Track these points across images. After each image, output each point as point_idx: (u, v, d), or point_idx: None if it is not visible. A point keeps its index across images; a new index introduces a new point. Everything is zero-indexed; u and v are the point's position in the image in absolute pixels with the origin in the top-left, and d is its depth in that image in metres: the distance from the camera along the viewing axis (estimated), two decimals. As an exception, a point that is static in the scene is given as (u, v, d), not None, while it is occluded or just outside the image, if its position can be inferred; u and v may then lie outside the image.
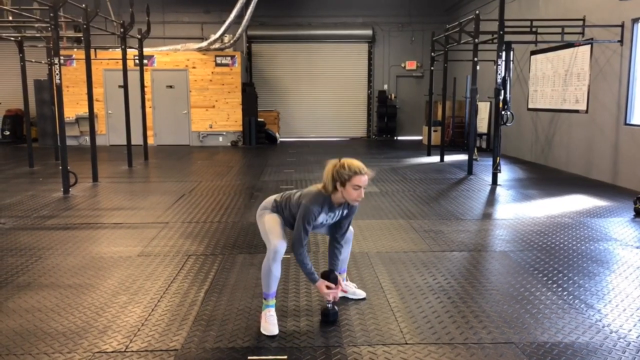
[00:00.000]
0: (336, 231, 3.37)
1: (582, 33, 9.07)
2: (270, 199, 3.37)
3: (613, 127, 8.37)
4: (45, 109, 14.28)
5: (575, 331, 3.14)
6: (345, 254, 3.58)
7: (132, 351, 2.90)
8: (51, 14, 7.22)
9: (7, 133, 15.53)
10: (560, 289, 3.82)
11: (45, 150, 13.07)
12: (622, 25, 8.15)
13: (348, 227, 3.39)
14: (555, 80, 10.19)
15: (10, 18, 9.78)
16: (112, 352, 2.89)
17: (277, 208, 3.31)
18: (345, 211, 3.28)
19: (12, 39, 10.51)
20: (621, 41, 8.17)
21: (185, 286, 3.88)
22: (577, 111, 9.43)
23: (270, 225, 3.24)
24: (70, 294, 3.72)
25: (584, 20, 9.06)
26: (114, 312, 3.41)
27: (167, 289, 3.81)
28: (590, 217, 6.07)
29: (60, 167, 7.60)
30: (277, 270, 3.16)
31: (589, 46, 8.97)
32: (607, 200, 7.02)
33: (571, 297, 3.68)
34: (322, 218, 3.18)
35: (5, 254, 4.66)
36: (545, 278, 4.06)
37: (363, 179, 3.06)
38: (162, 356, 2.84)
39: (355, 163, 3.09)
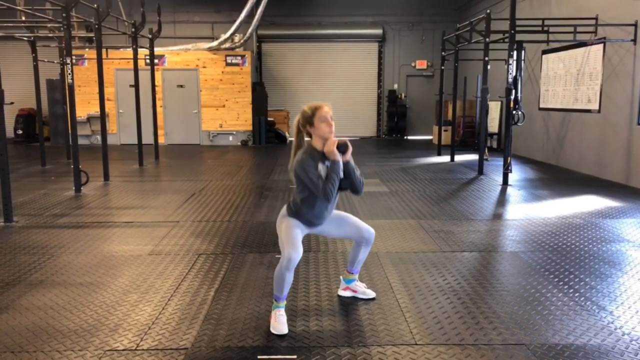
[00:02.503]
0: (351, 187, 3.30)
1: (595, 32, 8.98)
2: (284, 206, 3.38)
3: (626, 127, 8.29)
4: (57, 109, 14.41)
5: (587, 333, 3.12)
6: (364, 254, 3.58)
7: (143, 349, 2.92)
8: (63, 14, 7.28)
9: (20, 132, 15.68)
10: (571, 291, 3.79)
11: (57, 149, 13.19)
12: (635, 24, 8.07)
13: (356, 174, 3.28)
14: (567, 79, 10.11)
15: (23, 18, 9.88)
16: (123, 350, 2.91)
17: (291, 210, 3.30)
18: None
19: (25, 39, 10.62)
20: (634, 40, 8.09)
21: (196, 285, 3.89)
22: (589, 111, 9.35)
23: (287, 233, 3.21)
24: (82, 292, 3.76)
25: (596, 19, 8.98)
26: (124, 310, 3.43)
27: (177, 288, 3.83)
28: (602, 218, 6.02)
29: (72, 166, 7.66)
30: (289, 277, 3.15)
31: (601, 45, 8.89)
32: (620, 201, 6.96)
33: (583, 298, 3.65)
34: (321, 168, 3.15)
35: (18, 252, 4.71)
36: (556, 279, 4.03)
37: (325, 110, 3.17)
38: (172, 355, 2.86)
39: (312, 103, 3.22)
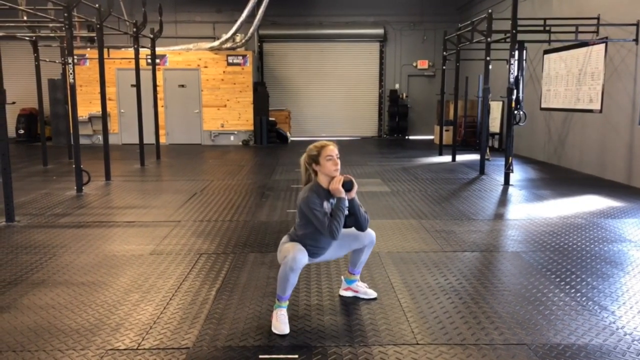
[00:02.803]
0: (356, 224, 3.34)
1: (597, 32, 8.97)
2: (285, 237, 3.39)
3: (628, 126, 8.27)
4: (58, 108, 14.41)
5: (588, 333, 3.11)
6: (366, 256, 3.58)
7: (145, 349, 2.92)
8: (65, 14, 7.29)
9: (22, 132, 15.70)
10: (573, 291, 3.79)
11: (58, 149, 13.20)
12: (637, 24, 8.06)
13: (361, 211, 3.33)
14: (569, 79, 10.10)
15: (25, 18, 9.89)
16: (125, 349, 2.91)
17: (293, 238, 3.32)
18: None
19: (27, 38, 10.63)
20: (636, 40, 8.08)
21: (197, 285, 3.90)
22: (591, 111, 9.34)
23: (289, 245, 3.23)
24: (84, 291, 3.76)
25: (598, 18, 8.97)
26: (126, 309, 3.44)
27: (178, 288, 3.83)
28: (604, 218, 6.01)
29: (74, 166, 7.67)
30: (293, 279, 3.14)
31: (603, 45, 8.88)
32: (622, 201, 6.95)
33: (584, 298, 3.65)
34: (326, 205, 3.19)
35: (19, 252, 4.71)
36: (558, 279, 4.03)
37: (330, 148, 3.22)
38: (174, 354, 2.86)
39: (318, 142, 3.28)
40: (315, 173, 3.27)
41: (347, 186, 3.21)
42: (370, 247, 3.55)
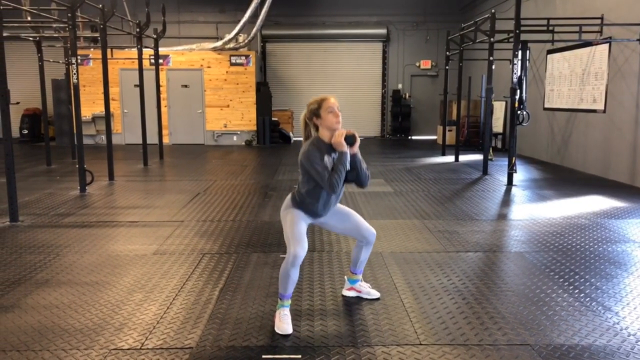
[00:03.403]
0: (357, 180, 3.27)
1: (600, 32, 8.95)
2: (289, 196, 3.37)
3: (632, 127, 8.25)
4: (62, 108, 14.45)
5: (592, 334, 3.11)
6: (366, 255, 3.57)
7: (148, 349, 2.92)
8: (69, 14, 7.31)
9: (26, 132, 15.75)
10: (576, 291, 3.78)
11: (62, 149, 13.24)
12: (641, 24, 8.03)
13: (362, 166, 3.26)
14: (572, 79, 10.08)
15: (29, 18, 9.92)
16: (128, 349, 2.92)
17: (295, 201, 3.28)
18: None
19: (31, 39, 10.66)
20: (640, 40, 8.06)
21: (200, 284, 3.90)
22: (594, 111, 9.31)
23: (292, 228, 3.20)
24: (87, 291, 3.77)
25: (602, 18, 8.94)
26: (129, 309, 3.44)
27: (182, 287, 3.84)
28: (608, 218, 6.00)
29: (77, 166, 7.69)
30: (294, 275, 3.15)
31: (607, 45, 8.86)
32: (625, 201, 6.93)
33: (588, 299, 3.64)
34: (327, 160, 3.14)
35: (23, 251, 4.73)
36: (561, 280, 4.02)
37: (332, 101, 3.17)
38: (177, 354, 2.87)
39: (318, 96, 3.23)
40: (317, 128, 3.21)
41: (350, 140, 3.13)
42: (369, 245, 3.53)
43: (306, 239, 3.19)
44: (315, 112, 3.17)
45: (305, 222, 3.27)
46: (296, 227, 3.19)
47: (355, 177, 3.23)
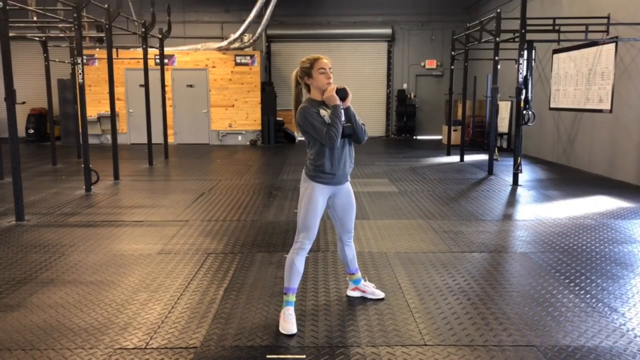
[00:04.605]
0: (353, 133, 3.25)
1: (607, 31, 8.90)
2: (304, 169, 3.34)
3: (638, 126, 8.20)
4: (68, 108, 14.51)
5: (598, 335, 3.09)
6: (351, 252, 3.56)
7: (152, 348, 2.93)
8: (75, 15, 7.33)
9: (32, 131, 15.82)
10: (582, 292, 3.76)
11: (67, 149, 13.29)
12: (648, 23, 7.98)
13: (357, 120, 3.24)
14: (578, 79, 10.03)
15: (35, 18, 9.96)
16: (133, 348, 2.92)
17: (309, 171, 3.25)
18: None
19: (37, 39, 10.70)
20: (647, 39, 8.01)
21: (205, 284, 3.90)
22: (600, 111, 9.27)
23: (306, 210, 3.19)
24: (92, 290, 3.78)
25: (608, 18, 8.89)
26: (134, 309, 3.45)
27: (186, 287, 3.84)
28: (614, 219, 5.96)
29: (83, 165, 7.71)
30: (300, 265, 3.18)
31: (613, 44, 8.81)
32: (632, 202, 6.89)
33: (594, 300, 3.62)
34: (323, 113, 3.16)
35: (29, 251, 4.75)
36: (567, 280, 4.00)
37: (324, 62, 3.18)
38: (181, 353, 2.87)
39: (311, 55, 3.23)
40: (308, 88, 3.23)
41: (341, 94, 3.14)
42: (348, 244, 3.52)
43: (317, 226, 3.22)
44: (307, 71, 3.19)
45: (323, 197, 3.25)
46: (311, 210, 3.19)
47: (351, 130, 3.24)
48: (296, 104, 3.28)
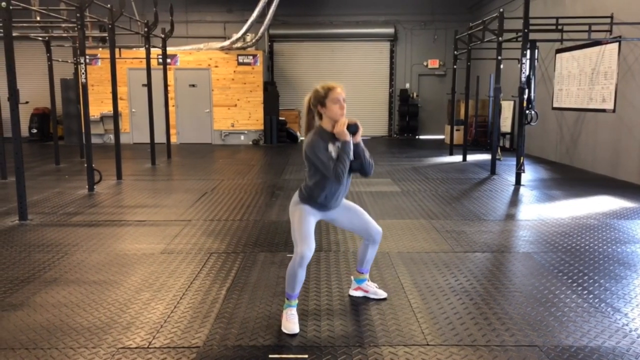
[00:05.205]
0: (361, 169, 3.26)
1: (610, 31, 8.88)
2: (296, 192, 3.36)
3: (641, 126, 8.19)
4: (71, 108, 14.54)
5: (601, 335, 3.08)
6: (372, 254, 3.56)
7: (155, 347, 2.93)
8: (77, 14, 7.34)
9: (35, 131, 15.85)
10: (585, 292, 3.75)
11: (70, 148, 13.31)
12: (651, 23, 7.96)
13: (366, 155, 3.24)
14: (582, 79, 10.01)
15: (38, 18, 9.98)
16: (136, 348, 2.93)
17: (303, 195, 3.26)
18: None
19: (40, 39, 10.72)
20: (650, 39, 7.99)
21: (207, 284, 3.91)
22: (603, 110, 9.25)
23: (300, 226, 3.18)
24: (95, 290, 3.79)
25: (611, 17, 8.87)
26: (137, 308, 3.45)
27: (189, 287, 3.85)
28: (617, 219, 5.95)
29: (86, 165, 7.72)
30: (302, 275, 3.15)
31: (617, 44, 8.79)
32: (635, 202, 6.87)
33: (597, 300, 3.61)
34: (331, 148, 3.13)
35: (32, 250, 4.76)
36: (570, 280, 3.99)
37: (338, 91, 3.15)
38: (184, 353, 2.87)
39: (326, 83, 3.19)
40: (320, 116, 3.19)
41: (352, 129, 3.13)
42: (375, 244, 3.52)
43: (314, 239, 3.17)
44: (320, 100, 3.15)
45: (314, 218, 3.26)
46: (304, 225, 3.18)
47: (359, 166, 3.24)
48: (307, 130, 3.25)
